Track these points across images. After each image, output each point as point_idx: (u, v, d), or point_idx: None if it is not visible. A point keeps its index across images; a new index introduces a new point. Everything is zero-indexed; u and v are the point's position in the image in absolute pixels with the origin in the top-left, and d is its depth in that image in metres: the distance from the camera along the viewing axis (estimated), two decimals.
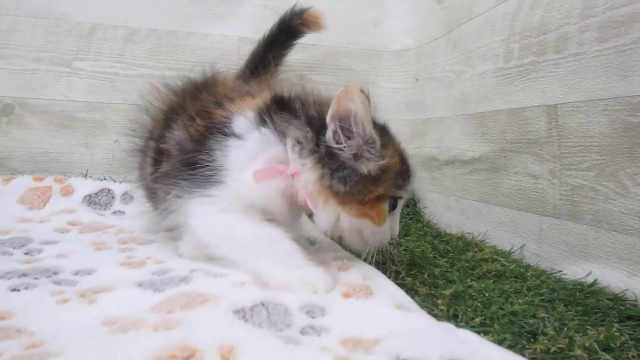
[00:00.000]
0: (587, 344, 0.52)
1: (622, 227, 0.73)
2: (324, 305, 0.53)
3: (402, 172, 0.68)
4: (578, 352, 0.51)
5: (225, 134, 0.68)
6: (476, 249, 0.99)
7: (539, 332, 0.56)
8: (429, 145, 1.36)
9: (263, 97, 0.73)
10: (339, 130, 0.63)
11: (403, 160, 0.70)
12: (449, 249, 0.98)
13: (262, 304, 0.51)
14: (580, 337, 0.55)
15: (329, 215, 0.66)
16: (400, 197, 0.70)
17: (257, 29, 1.39)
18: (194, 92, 0.81)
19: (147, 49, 1.33)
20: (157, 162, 0.76)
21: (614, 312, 0.65)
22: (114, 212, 1.11)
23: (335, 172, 0.64)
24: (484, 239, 1.08)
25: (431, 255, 0.94)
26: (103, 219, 1.01)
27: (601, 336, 0.55)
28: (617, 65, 0.73)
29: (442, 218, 1.28)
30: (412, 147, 1.47)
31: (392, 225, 0.70)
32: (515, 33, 0.97)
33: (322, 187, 0.64)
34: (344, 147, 0.63)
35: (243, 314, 0.48)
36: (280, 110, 0.68)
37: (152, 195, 0.81)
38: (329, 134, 0.63)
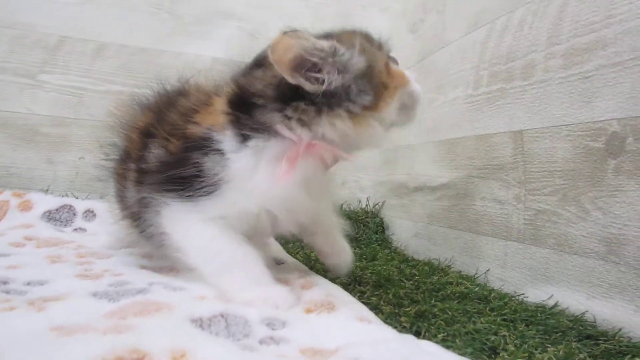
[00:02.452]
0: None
1: (583, 250, 0.75)
2: (285, 319, 0.52)
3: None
4: None
5: (216, 150, 0.63)
6: (442, 273, 0.99)
7: (500, 348, 0.56)
8: (399, 172, 1.38)
9: (219, 107, 0.67)
10: (309, 75, 0.58)
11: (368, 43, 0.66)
12: (415, 272, 0.98)
13: (222, 315, 0.49)
14: (540, 353, 0.55)
15: (375, 130, 0.63)
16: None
17: (231, 50, 1.41)
18: (166, 107, 0.77)
19: (117, 64, 1.32)
20: (140, 184, 0.71)
21: (573, 331, 0.65)
22: (75, 229, 1.07)
23: (346, 98, 0.60)
24: (450, 264, 1.08)
25: (397, 278, 0.93)
26: (62, 235, 0.98)
27: (560, 353, 0.55)
28: (580, 91, 0.76)
29: (410, 245, 1.29)
30: (383, 175, 1.49)
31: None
32: (484, 60, 1.01)
33: (353, 118, 0.61)
34: (326, 78, 0.58)
35: (200, 322, 0.46)
36: (245, 110, 0.64)
37: (137, 219, 0.74)
38: (307, 87, 0.58)
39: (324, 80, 0.58)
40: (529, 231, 0.86)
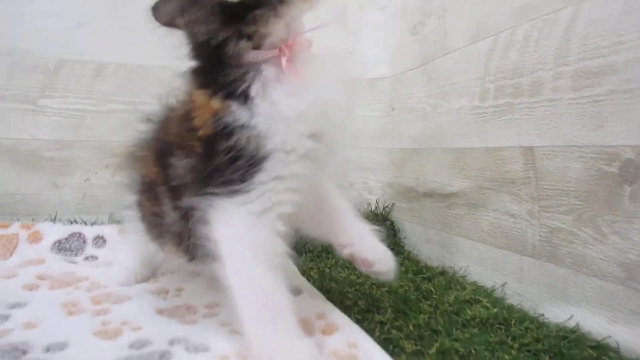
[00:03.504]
0: None
1: (602, 273, 0.74)
2: None
3: None
4: None
5: (238, 127, 0.60)
6: (458, 287, 0.99)
7: None
8: (407, 175, 1.36)
9: (200, 98, 0.64)
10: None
11: None
12: (432, 289, 0.98)
13: None
14: None
15: None
16: None
17: None
18: (165, 127, 0.74)
19: (117, 83, 1.30)
20: (179, 199, 0.67)
21: None
22: (86, 258, 1.07)
23: None
24: (465, 274, 1.08)
25: (414, 297, 0.93)
26: (75, 268, 0.97)
27: None
28: (592, 114, 0.74)
29: (423, 250, 1.28)
30: (390, 176, 1.47)
31: None
32: (490, 73, 0.98)
33: None
34: None
35: None
36: (217, 70, 0.62)
37: (182, 238, 0.70)
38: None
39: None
40: (545, 248, 0.86)
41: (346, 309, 0.86)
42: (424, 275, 1.10)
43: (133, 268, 0.91)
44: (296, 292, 0.86)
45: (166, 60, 1.33)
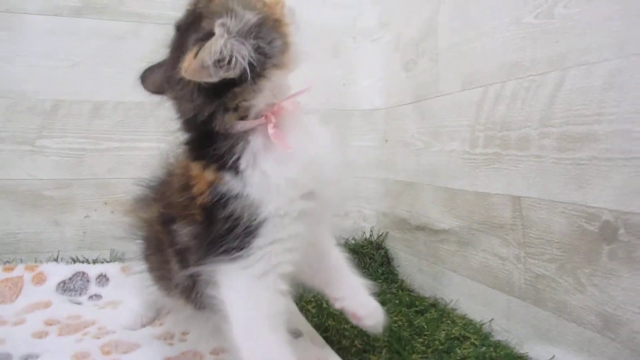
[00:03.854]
0: None
1: (581, 320, 0.79)
2: None
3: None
4: None
5: (233, 197, 0.63)
6: (449, 322, 1.04)
7: None
8: (401, 207, 1.41)
9: (196, 169, 0.66)
10: (221, 65, 0.59)
11: None
12: (424, 325, 1.03)
13: None
14: None
15: (297, 54, 0.66)
16: None
17: None
18: (166, 192, 0.76)
19: (115, 122, 1.33)
20: (184, 262, 0.71)
21: None
22: (90, 297, 1.10)
23: (265, 57, 0.62)
24: (456, 307, 1.13)
25: (407, 334, 0.98)
26: (80, 310, 1.00)
27: None
28: (575, 175, 0.79)
29: (416, 280, 1.33)
30: (385, 206, 1.52)
31: None
32: (480, 122, 1.03)
33: (279, 66, 0.64)
34: (237, 58, 0.59)
35: None
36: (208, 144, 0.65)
37: (190, 292, 0.73)
38: (230, 74, 0.60)
39: (236, 60, 0.59)
40: (530, 291, 0.91)
41: (344, 350, 0.91)
42: (417, 308, 1.14)
43: (139, 312, 0.94)
44: (296, 334, 0.91)
45: (162, 97, 1.38)
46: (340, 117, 1.55)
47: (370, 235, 1.54)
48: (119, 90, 1.32)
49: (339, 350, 0.87)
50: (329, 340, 0.90)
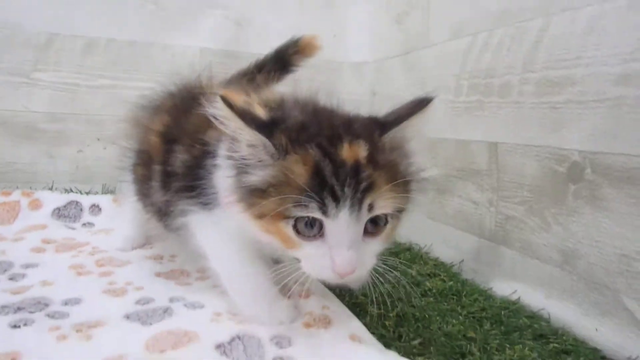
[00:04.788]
0: None
1: (543, 257, 0.86)
2: (290, 335, 0.63)
3: (309, 186, 0.53)
4: None
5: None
6: (421, 262, 1.11)
7: (467, 352, 0.69)
8: None
9: None
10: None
11: (315, 171, 0.53)
12: (397, 263, 1.09)
13: (239, 337, 0.60)
14: (499, 356, 0.68)
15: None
16: (311, 217, 0.54)
17: (219, 40, 1.45)
18: (186, 109, 0.76)
19: (107, 59, 1.35)
20: (166, 185, 0.73)
21: (530, 330, 0.78)
22: (84, 224, 1.15)
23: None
24: (429, 251, 1.20)
25: (381, 269, 1.05)
26: (75, 234, 1.06)
27: (515, 355, 0.68)
28: (550, 119, 0.85)
29: None
30: None
31: (331, 254, 0.55)
32: (465, 71, 1.08)
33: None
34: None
35: (223, 349, 0.57)
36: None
37: (164, 216, 0.77)
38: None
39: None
40: (499, 233, 0.98)
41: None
42: (392, 250, 1.21)
43: (130, 235, 1.00)
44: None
45: (156, 38, 1.40)
46: (330, 70, 1.58)
47: None
48: (111, 28, 1.34)
49: None
50: None
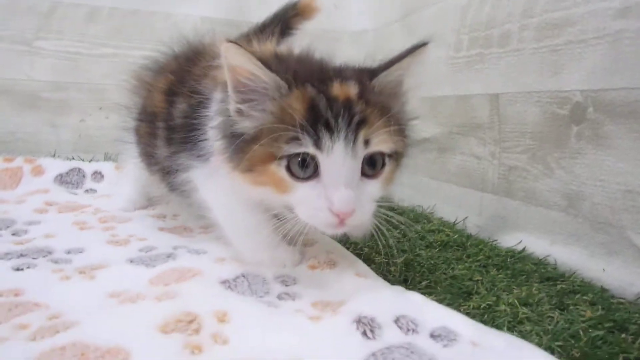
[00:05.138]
0: (510, 301, 0.64)
1: (547, 203, 0.86)
2: (295, 275, 0.63)
3: (305, 119, 0.53)
4: (503, 307, 0.63)
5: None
6: (425, 220, 1.11)
7: (474, 292, 0.68)
8: None
9: None
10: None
11: (311, 106, 0.54)
12: (401, 221, 1.09)
13: (243, 276, 0.60)
14: (507, 295, 0.67)
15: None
16: (304, 154, 0.53)
17: (220, 9, 1.43)
18: (188, 66, 0.77)
19: (110, 28, 1.34)
20: (170, 141, 0.73)
21: (536, 274, 0.77)
22: (86, 191, 1.15)
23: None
24: (432, 211, 1.20)
25: (384, 227, 1.05)
26: (77, 198, 1.06)
27: (523, 294, 0.67)
28: (550, 63, 0.84)
29: (396, 193, 1.39)
30: None
31: (328, 193, 0.53)
32: (465, 25, 1.07)
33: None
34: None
35: (228, 284, 0.57)
36: None
37: (167, 174, 0.76)
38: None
39: None
40: (502, 185, 0.97)
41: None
42: (396, 211, 1.21)
43: (131, 197, 1.00)
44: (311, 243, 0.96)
45: (158, 6, 1.39)
46: (329, 39, 1.57)
47: None
48: None
49: None
50: None
